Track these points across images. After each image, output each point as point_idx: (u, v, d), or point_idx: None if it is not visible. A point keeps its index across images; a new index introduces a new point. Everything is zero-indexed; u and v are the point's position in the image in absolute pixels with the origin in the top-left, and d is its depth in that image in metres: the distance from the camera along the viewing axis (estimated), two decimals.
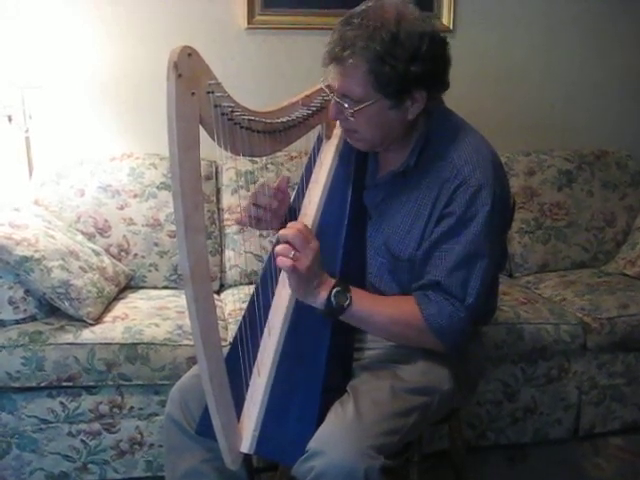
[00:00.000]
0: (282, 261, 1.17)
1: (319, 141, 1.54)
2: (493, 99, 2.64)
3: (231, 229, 2.30)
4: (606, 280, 2.34)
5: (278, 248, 1.18)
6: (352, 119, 1.29)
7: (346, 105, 1.27)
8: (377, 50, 1.20)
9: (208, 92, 1.08)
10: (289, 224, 1.21)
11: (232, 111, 1.15)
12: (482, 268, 1.27)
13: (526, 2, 2.66)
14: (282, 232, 1.19)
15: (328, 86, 1.33)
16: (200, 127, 1.07)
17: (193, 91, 1.04)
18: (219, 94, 1.10)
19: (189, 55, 1.01)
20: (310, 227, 1.37)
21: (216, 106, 1.10)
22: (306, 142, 1.47)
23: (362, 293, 1.29)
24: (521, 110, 2.72)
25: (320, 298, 1.23)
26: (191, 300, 1.07)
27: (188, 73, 1.01)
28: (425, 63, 1.22)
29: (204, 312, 1.09)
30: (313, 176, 1.48)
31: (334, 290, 1.22)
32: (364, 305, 1.26)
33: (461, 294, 1.26)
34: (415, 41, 1.21)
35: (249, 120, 1.20)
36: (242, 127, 1.19)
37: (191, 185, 1.04)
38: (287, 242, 1.18)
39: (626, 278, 2.36)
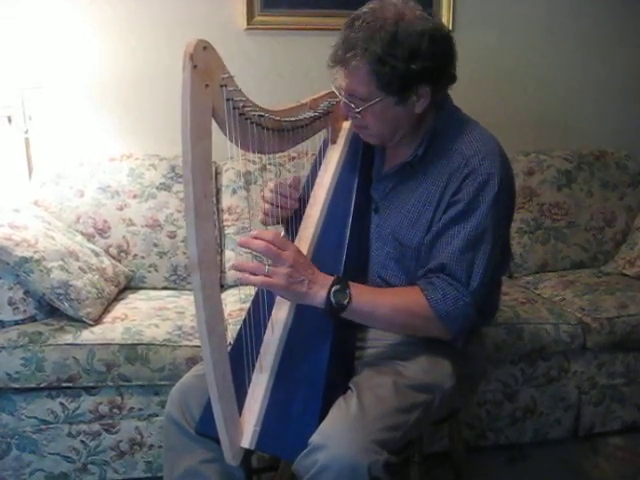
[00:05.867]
0: (254, 280, 1.18)
1: (325, 145, 1.56)
2: (492, 99, 2.64)
3: (230, 229, 2.30)
4: (605, 280, 2.34)
5: (250, 266, 1.18)
6: (360, 116, 1.33)
7: (353, 105, 1.32)
8: (376, 52, 1.23)
9: (221, 85, 1.09)
10: (261, 233, 1.19)
11: (243, 106, 1.16)
12: (486, 253, 1.30)
13: (526, 2, 2.66)
14: (254, 245, 1.17)
15: (337, 87, 1.36)
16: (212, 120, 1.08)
17: (207, 83, 1.05)
18: (231, 88, 1.11)
19: (204, 48, 1.04)
20: (314, 229, 1.40)
21: (228, 100, 1.11)
22: (308, 145, 1.48)
23: (362, 288, 1.29)
24: (520, 110, 2.72)
25: (319, 298, 1.22)
26: (197, 288, 1.07)
27: (203, 65, 1.03)
28: (426, 60, 1.25)
29: (210, 300, 1.09)
30: (318, 179, 1.51)
31: (333, 289, 1.22)
32: (365, 299, 1.26)
33: (465, 278, 1.28)
34: (414, 40, 1.24)
35: (259, 116, 1.22)
36: (252, 122, 1.21)
37: (201, 173, 1.05)
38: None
39: (625, 278, 2.36)
